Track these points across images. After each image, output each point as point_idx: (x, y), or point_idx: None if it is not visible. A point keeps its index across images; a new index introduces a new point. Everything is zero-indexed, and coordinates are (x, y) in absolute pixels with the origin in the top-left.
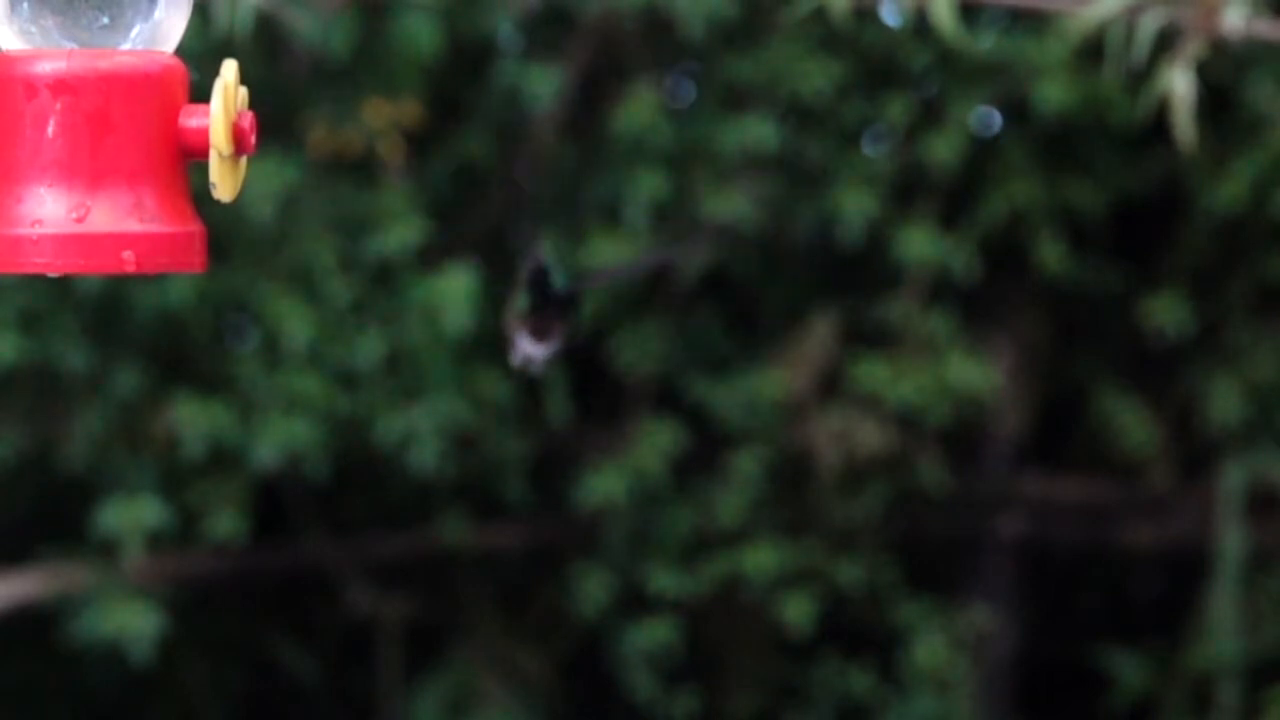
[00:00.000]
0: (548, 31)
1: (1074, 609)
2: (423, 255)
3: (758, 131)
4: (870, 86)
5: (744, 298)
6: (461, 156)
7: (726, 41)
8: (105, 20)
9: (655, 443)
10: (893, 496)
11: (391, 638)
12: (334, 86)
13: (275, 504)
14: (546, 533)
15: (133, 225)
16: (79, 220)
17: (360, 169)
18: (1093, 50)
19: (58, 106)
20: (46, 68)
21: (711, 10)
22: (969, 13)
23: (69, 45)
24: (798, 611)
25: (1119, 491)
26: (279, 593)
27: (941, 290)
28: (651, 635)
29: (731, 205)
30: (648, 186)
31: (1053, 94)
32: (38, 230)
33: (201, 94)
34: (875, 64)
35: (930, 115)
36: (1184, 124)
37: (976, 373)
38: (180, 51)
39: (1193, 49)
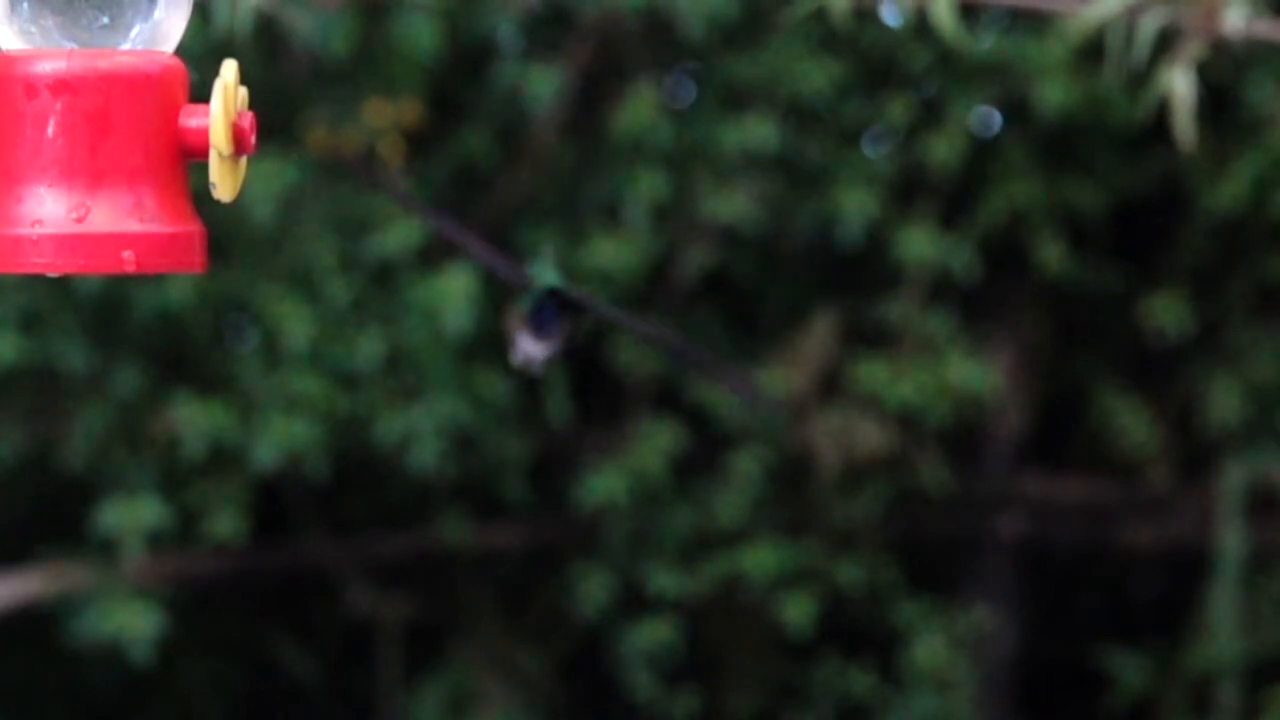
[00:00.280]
0: (548, 31)
1: (1074, 609)
2: (423, 255)
3: (758, 131)
4: (870, 86)
5: (744, 298)
6: (461, 156)
7: (726, 41)
8: (105, 20)
9: (655, 443)
10: (893, 496)
11: (391, 638)
12: (334, 86)
13: (275, 504)
14: (546, 533)
15: (133, 225)
16: (79, 220)
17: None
18: (1093, 50)
19: (58, 106)
20: (46, 68)
21: (711, 10)
22: (969, 13)
23: (69, 45)
24: (798, 611)
25: (1119, 491)
26: (279, 593)
27: (941, 290)
28: (651, 635)
29: (731, 205)
30: (647, 186)
31: (1053, 94)
32: (38, 230)
33: (201, 94)
34: (875, 64)
35: (930, 115)
36: (1184, 124)
37: (976, 373)
38: (180, 51)
39: (1193, 49)
